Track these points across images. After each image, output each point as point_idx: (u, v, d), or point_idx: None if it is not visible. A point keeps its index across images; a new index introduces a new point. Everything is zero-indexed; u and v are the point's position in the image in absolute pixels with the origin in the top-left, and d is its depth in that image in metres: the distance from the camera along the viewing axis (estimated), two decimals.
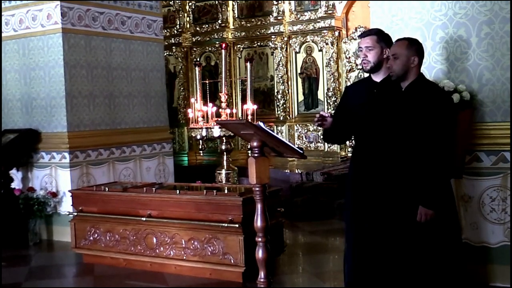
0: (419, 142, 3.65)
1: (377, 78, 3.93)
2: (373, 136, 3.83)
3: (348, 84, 10.76)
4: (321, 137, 10.73)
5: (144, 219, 5.51)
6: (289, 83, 11.35)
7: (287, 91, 11.33)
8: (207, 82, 8.11)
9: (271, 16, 11.46)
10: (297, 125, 11.30)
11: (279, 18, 11.31)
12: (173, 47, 12.42)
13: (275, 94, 11.47)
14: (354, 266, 3.93)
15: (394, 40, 3.94)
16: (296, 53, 11.29)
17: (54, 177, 7.12)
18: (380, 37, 3.89)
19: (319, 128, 4.05)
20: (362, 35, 3.97)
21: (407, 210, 3.69)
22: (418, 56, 3.80)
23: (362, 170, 3.88)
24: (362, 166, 3.90)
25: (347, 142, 9.60)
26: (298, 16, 11.22)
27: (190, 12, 12.42)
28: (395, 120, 3.77)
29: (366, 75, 4.06)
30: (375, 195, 3.81)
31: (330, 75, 10.82)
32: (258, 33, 11.67)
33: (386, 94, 3.86)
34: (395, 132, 3.77)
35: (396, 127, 3.76)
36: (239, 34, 11.92)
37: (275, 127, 11.28)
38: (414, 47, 3.81)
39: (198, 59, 12.08)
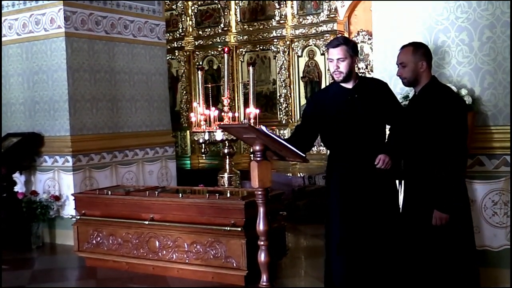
0: (432, 146, 3.66)
1: (348, 85, 3.95)
2: (359, 141, 3.86)
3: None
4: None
5: (146, 222, 5.52)
6: (292, 86, 11.35)
7: (289, 95, 11.33)
8: (209, 85, 8.13)
9: (273, 20, 11.47)
10: None
11: (281, 22, 11.31)
12: (176, 51, 12.43)
13: (278, 97, 11.47)
14: (349, 271, 3.92)
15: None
16: (298, 56, 11.29)
17: (57, 181, 7.13)
18: (349, 46, 3.88)
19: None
20: (331, 46, 3.91)
21: (422, 214, 3.72)
22: (426, 60, 3.81)
23: (353, 174, 3.89)
24: (352, 170, 3.90)
25: None
26: (301, 20, 11.22)
27: (193, 16, 12.44)
28: (408, 122, 3.80)
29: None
30: (369, 198, 3.84)
31: (332, 79, 10.82)
32: (261, 37, 11.68)
33: (363, 98, 3.89)
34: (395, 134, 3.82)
35: (398, 128, 3.80)
36: (241, 38, 11.93)
37: (277, 130, 11.27)
38: (420, 51, 3.82)
39: (200, 63, 12.10)
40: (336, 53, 3.85)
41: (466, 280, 3.79)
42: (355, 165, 3.87)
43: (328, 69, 10.82)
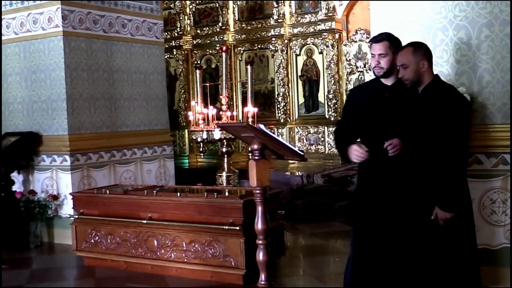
0: (434, 144, 3.66)
1: (388, 81, 3.93)
2: (391, 138, 3.81)
3: (350, 86, 10.75)
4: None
5: (145, 221, 5.52)
6: (290, 85, 11.36)
7: (287, 94, 11.34)
8: (207, 84, 8.13)
9: (271, 18, 11.48)
10: (298, 127, 11.31)
11: (279, 20, 11.32)
12: (174, 49, 12.43)
13: (276, 96, 11.48)
14: (360, 271, 3.91)
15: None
16: (296, 55, 11.30)
17: (55, 180, 7.12)
18: (392, 42, 3.87)
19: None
20: (374, 41, 3.92)
21: (423, 212, 3.71)
22: (426, 59, 3.80)
23: (380, 173, 3.84)
24: (379, 169, 3.85)
25: None
26: (299, 18, 11.23)
27: (191, 15, 12.44)
28: (412, 122, 3.78)
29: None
30: (395, 198, 3.80)
31: (330, 78, 10.83)
32: (259, 36, 11.69)
33: (401, 96, 3.86)
34: (412, 134, 3.78)
35: (412, 129, 3.77)
36: (239, 36, 11.94)
37: (275, 129, 11.28)
38: (420, 51, 3.80)
39: (198, 62, 12.10)
40: (378, 48, 3.85)
41: (467, 279, 3.79)
42: (385, 163, 3.82)
43: (327, 68, 10.87)
